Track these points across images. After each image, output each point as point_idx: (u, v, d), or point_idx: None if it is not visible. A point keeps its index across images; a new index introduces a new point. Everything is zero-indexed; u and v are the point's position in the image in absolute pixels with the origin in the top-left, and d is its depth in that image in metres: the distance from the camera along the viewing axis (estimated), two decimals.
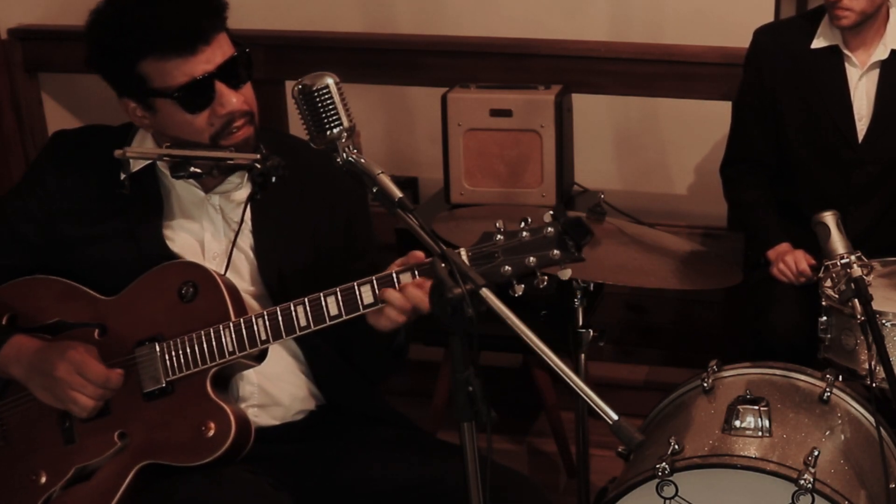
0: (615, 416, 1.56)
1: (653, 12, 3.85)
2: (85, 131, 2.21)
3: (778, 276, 2.91)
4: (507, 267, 1.78)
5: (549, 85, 3.44)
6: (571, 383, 1.58)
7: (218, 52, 1.97)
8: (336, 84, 1.76)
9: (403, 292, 1.87)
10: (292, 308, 1.94)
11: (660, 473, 2.13)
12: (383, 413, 2.21)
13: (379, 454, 2.12)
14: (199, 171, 2.00)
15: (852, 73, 3.00)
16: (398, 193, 1.71)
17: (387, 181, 1.73)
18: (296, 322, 1.93)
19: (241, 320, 1.96)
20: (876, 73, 2.99)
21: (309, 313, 1.93)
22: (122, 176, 2.05)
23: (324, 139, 1.76)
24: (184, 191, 2.10)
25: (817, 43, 3.01)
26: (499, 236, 1.80)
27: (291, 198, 2.12)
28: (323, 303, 1.92)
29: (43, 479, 2.03)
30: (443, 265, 1.60)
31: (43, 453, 2.05)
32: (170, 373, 1.98)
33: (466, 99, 3.39)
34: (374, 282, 1.89)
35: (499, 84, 3.48)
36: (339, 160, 1.76)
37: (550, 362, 1.58)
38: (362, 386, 2.20)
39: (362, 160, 1.76)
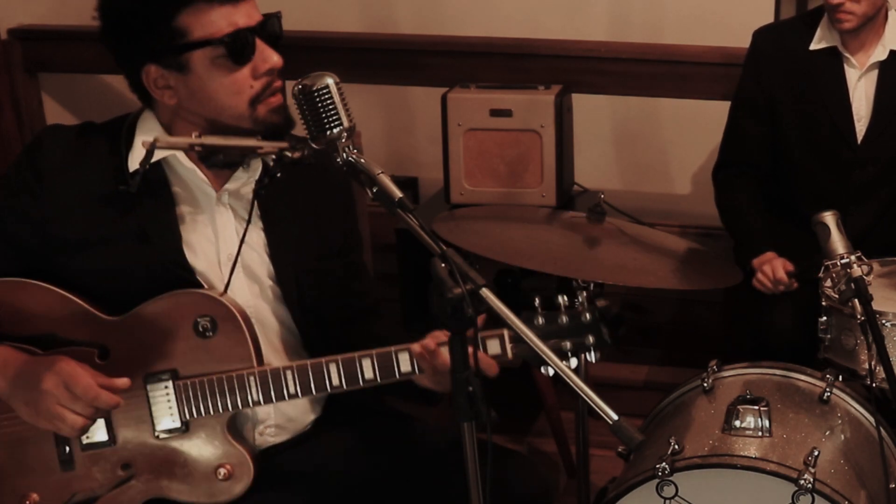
0: (615, 416, 1.56)
1: (653, 12, 3.84)
2: (80, 126, 2.06)
3: (757, 286, 2.90)
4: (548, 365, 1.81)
5: (549, 85, 3.44)
6: (571, 383, 1.58)
7: (254, 9, 1.94)
8: (336, 84, 1.75)
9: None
10: (325, 366, 1.91)
11: (660, 473, 2.13)
12: (382, 407, 2.22)
13: (381, 447, 2.12)
14: (231, 159, 1.93)
15: (851, 74, 3.00)
16: (398, 193, 1.70)
17: (387, 181, 1.72)
18: (328, 381, 1.92)
19: (269, 371, 1.91)
20: (875, 73, 2.99)
21: (342, 374, 1.91)
22: (132, 170, 1.94)
23: (324, 139, 1.76)
24: (195, 189, 2.01)
25: (816, 44, 3.01)
26: (539, 319, 1.87)
27: (296, 193, 2.07)
28: (358, 365, 1.91)
29: (36, 501, 1.95)
30: (443, 265, 1.60)
31: (36, 476, 1.95)
32: (186, 414, 1.92)
33: (466, 99, 3.39)
34: (411, 351, 1.90)
35: (499, 84, 3.48)
36: (338, 160, 1.76)
37: (551, 363, 1.58)
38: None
39: (362, 160, 1.75)
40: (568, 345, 1.88)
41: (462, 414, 1.60)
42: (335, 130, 1.75)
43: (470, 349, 1.58)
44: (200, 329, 1.92)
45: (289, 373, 1.91)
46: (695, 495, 2.15)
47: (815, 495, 2.08)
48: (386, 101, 4.14)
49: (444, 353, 1.86)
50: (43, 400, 1.84)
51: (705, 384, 2.43)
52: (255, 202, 2.00)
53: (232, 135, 1.91)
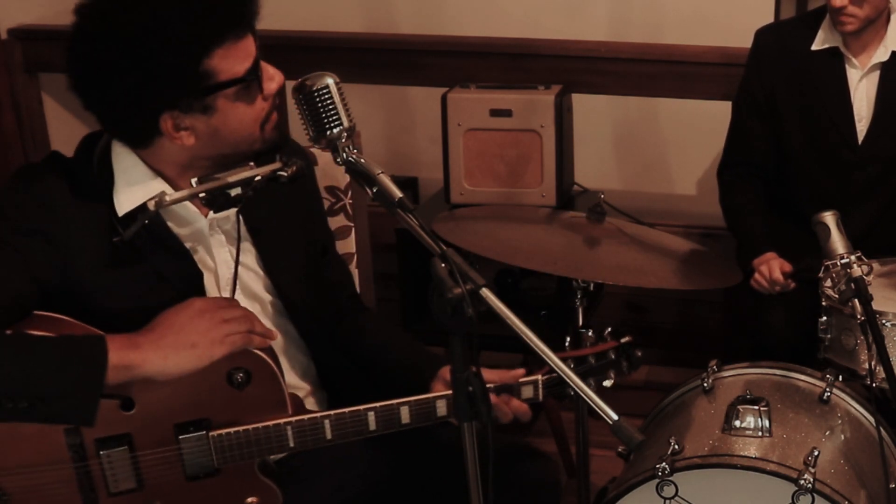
0: (615, 416, 1.56)
1: (653, 12, 3.84)
2: (49, 163, 1.92)
3: (754, 286, 2.90)
4: (571, 391, 1.81)
5: (549, 85, 3.44)
6: (571, 383, 1.58)
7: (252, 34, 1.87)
8: (336, 84, 1.75)
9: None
10: (363, 413, 1.90)
11: (660, 473, 2.13)
12: None
13: (377, 442, 2.12)
14: (235, 196, 1.84)
15: (853, 75, 3.00)
16: (398, 193, 1.70)
17: (387, 181, 1.72)
18: (367, 427, 1.92)
19: (306, 420, 1.89)
20: (876, 74, 2.99)
21: (380, 419, 1.91)
22: (121, 214, 1.86)
23: (324, 139, 1.76)
24: (190, 221, 1.95)
25: (818, 44, 3.01)
26: (570, 363, 2.03)
27: (273, 200, 2.03)
28: (398, 413, 1.92)
29: None
30: (443, 265, 1.60)
31: None
32: (220, 462, 1.87)
33: (466, 99, 3.39)
34: (449, 398, 1.91)
35: (499, 84, 3.48)
36: (338, 160, 1.76)
37: (551, 363, 1.58)
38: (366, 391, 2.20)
39: (362, 160, 1.75)
40: (591, 382, 2.04)
41: (462, 414, 1.60)
42: (335, 130, 1.75)
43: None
44: (235, 382, 1.87)
45: (326, 421, 1.90)
46: (695, 495, 2.15)
47: (815, 495, 2.08)
48: (386, 101, 4.14)
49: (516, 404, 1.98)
50: (212, 327, 1.80)
51: (705, 384, 2.43)
52: (241, 219, 1.98)
53: (221, 171, 1.86)
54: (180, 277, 1.92)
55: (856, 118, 3.00)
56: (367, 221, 2.67)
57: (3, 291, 1.80)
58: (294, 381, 2.09)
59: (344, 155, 1.75)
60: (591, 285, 2.48)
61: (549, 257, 2.37)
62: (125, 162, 1.90)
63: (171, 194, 1.80)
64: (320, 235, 2.20)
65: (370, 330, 2.22)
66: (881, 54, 2.97)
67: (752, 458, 2.15)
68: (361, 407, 1.90)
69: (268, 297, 2.06)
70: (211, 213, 1.94)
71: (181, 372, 1.80)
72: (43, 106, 4.28)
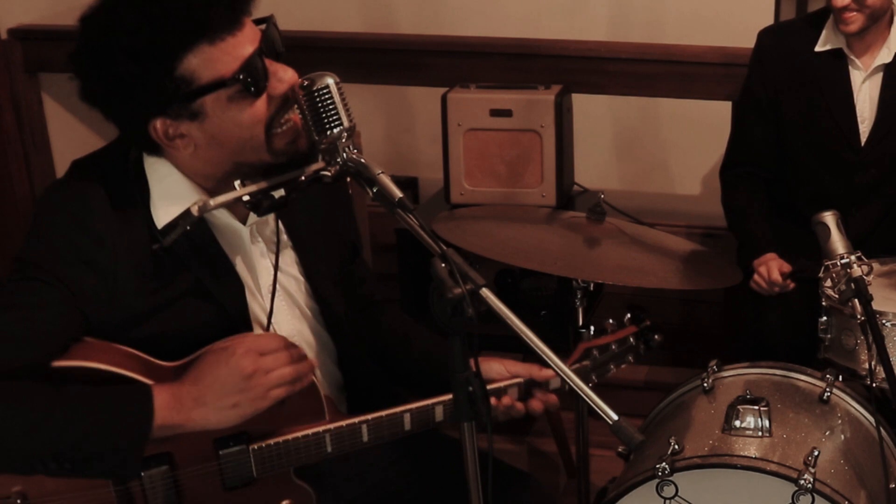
0: (615, 416, 1.56)
1: (653, 12, 3.85)
2: (79, 179, 1.83)
3: (753, 287, 2.90)
4: (594, 375, 2.11)
5: (549, 85, 3.44)
6: (571, 383, 1.58)
7: (253, 28, 1.77)
8: (336, 84, 1.74)
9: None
10: (399, 416, 1.91)
11: (660, 473, 2.13)
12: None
13: (397, 455, 2.12)
14: (280, 198, 1.77)
15: (856, 77, 2.99)
16: (398, 193, 1.70)
17: (387, 181, 1.72)
18: (403, 428, 1.93)
19: (345, 426, 1.88)
20: (879, 76, 2.99)
21: (416, 420, 1.93)
22: (161, 226, 1.80)
23: (324, 139, 1.76)
24: (229, 228, 1.89)
25: (821, 46, 3.01)
26: (595, 352, 2.11)
27: (310, 205, 2.00)
28: (432, 412, 1.94)
29: None
30: (443, 265, 1.60)
31: None
32: (259, 472, 1.85)
33: (466, 99, 3.39)
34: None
35: (499, 84, 3.48)
36: (339, 160, 1.76)
37: (551, 363, 1.58)
38: (386, 394, 2.19)
39: (362, 160, 1.75)
40: (612, 367, 2.10)
41: (462, 414, 1.60)
42: (335, 130, 1.74)
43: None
44: None
45: (364, 426, 1.89)
46: (695, 495, 2.15)
47: (815, 495, 2.08)
48: (386, 101, 4.14)
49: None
50: (252, 386, 1.76)
51: (705, 384, 2.43)
52: (280, 224, 1.96)
53: (266, 173, 1.81)
54: (223, 290, 1.87)
55: (859, 120, 3.00)
56: (368, 221, 2.68)
57: (55, 332, 1.75)
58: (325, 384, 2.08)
59: (344, 155, 1.75)
60: (591, 285, 2.48)
61: (549, 257, 2.37)
62: (160, 171, 1.84)
63: (214, 199, 1.74)
64: (352, 236, 2.18)
65: (391, 323, 2.21)
66: (884, 56, 2.97)
67: (752, 458, 2.15)
68: (398, 409, 1.90)
69: (306, 302, 2.03)
70: (250, 220, 1.90)
71: (223, 427, 1.79)
72: (43, 106, 4.27)
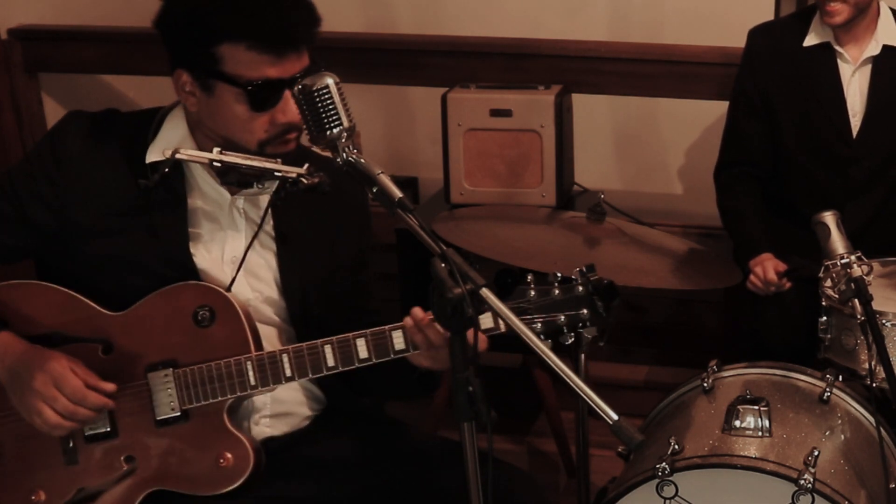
0: (615, 416, 1.56)
1: (652, 12, 3.84)
2: (104, 114, 2.10)
3: (749, 287, 2.89)
4: (538, 324, 1.85)
5: (549, 85, 3.44)
6: (571, 383, 1.58)
7: (298, 63, 1.92)
8: (336, 84, 1.75)
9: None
10: (320, 347, 1.92)
11: (660, 473, 2.13)
12: (379, 414, 2.23)
13: (376, 453, 2.12)
14: (246, 180, 1.94)
15: (845, 70, 3.00)
16: (398, 193, 1.70)
17: (387, 181, 1.72)
18: (323, 362, 1.93)
19: (266, 356, 1.93)
20: (868, 68, 3.00)
21: (337, 354, 1.92)
22: (149, 162, 1.98)
23: (324, 139, 1.76)
24: (210, 190, 2.04)
25: (809, 40, 3.01)
26: (532, 292, 1.87)
27: (313, 208, 2.07)
28: (353, 345, 1.92)
29: (43, 498, 1.98)
30: (443, 265, 1.60)
31: (42, 472, 1.99)
32: (186, 401, 1.95)
33: (466, 99, 3.39)
34: (405, 329, 1.90)
35: (499, 84, 3.48)
36: (339, 160, 1.76)
37: (550, 362, 1.58)
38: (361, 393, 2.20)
39: (362, 160, 1.75)
40: (562, 318, 1.85)
41: (462, 414, 1.60)
42: (335, 130, 1.75)
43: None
44: (199, 319, 1.96)
45: (285, 356, 1.93)
46: (695, 495, 2.15)
47: (815, 495, 2.08)
48: (386, 101, 4.14)
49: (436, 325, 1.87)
50: (30, 396, 1.90)
51: (705, 384, 2.43)
52: (270, 211, 2.01)
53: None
54: (169, 235, 2.00)
55: (850, 113, 3.00)
56: None
57: None
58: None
59: (344, 155, 1.75)
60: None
61: (549, 257, 2.38)
62: (172, 122, 2.04)
63: (185, 151, 1.93)
64: (352, 255, 2.19)
65: None
66: (872, 48, 2.97)
67: (752, 458, 2.15)
68: (319, 341, 1.92)
69: (272, 290, 2.08)
70: (239, 195, 2.02)
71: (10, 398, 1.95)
72: (43, 106, 4.27)
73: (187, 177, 2.02)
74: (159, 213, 2.00)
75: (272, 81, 1.90)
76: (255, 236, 2.01)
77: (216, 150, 1.92)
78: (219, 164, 1.91)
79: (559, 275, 1.87)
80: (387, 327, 1.92)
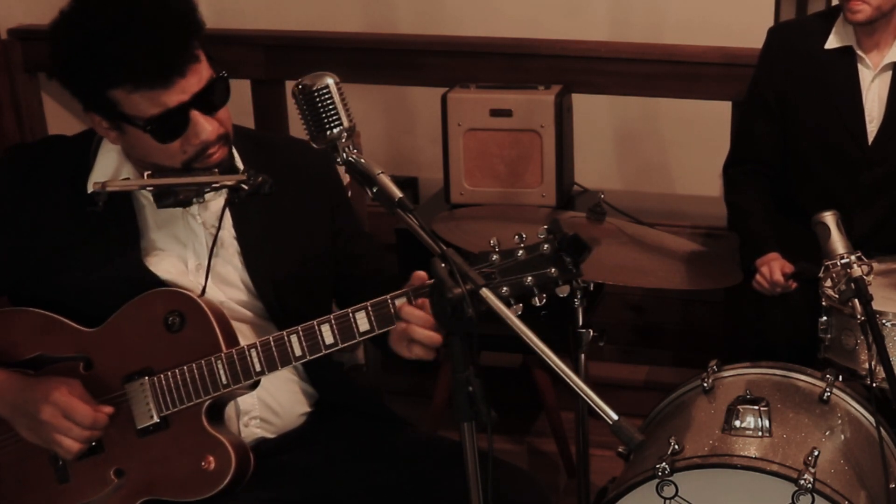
0: (615, 416, 1.56)
1: (653, 12, 3.85)
2: (42, 144, 2.10)
3: (755, 287, 2.89)
4: (504, 288, 1.74)
5: (549, 85, 3.44)
6: (571, 383, 1.58)
7: (194, 81, 1.86)
8: (336, 84, 1.75)
9: (402, 314, 1.84)
10: (286, 338, 1.91)
11: (660, 473, 2.13)
12: (377, 410, 2.22)
13: (375, 453, 2.12)
14: (185, 198, 1.90)
15: (865, 75, 2.98)
16: (398, 193, 1.70)
17: (387, 181, 1.72)
18: (291, 352, 1.91)
19: (234, 352, 1.93)
20: (888, 74, 2.97)
21: (304, 342, 1.90)
22: (90, 192, 1.93)
23: (324, 139, 1.76)
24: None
25: (831, 42, 2.99)
26: (494, 256, 1.76)
27: (271, 199, 2.01)
28: (317, 331, 1.89)
29: None
30: (443, 265, 1.60)
31: (37, 493, 2.00)
32: (163, 407, 1.95)
33: (466, 99, 3.40)
34: (370, 308, 1.87)
35: (499, 84, 3.48)
36: (338, 160, 1.76)
37: (550, 362, 1.58)
38: (355, 384, 2.20)
39: (362, 160, 1.75)
40: (529, 279, 1.75)
41: (462, 414, 1.60)
42: (335, 130, 1.75)
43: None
44: (170, 324, 1.95)
45: (253, 351, 1.92)
46: (695, 495, 2.15)
47: (815, 495, 2.08)
48: (386, 101, 4.14)
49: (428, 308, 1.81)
50: (43, 429, 1.92)
51: (705, 384, 2.43)
52: (227, 211, 2.01)
53: (181, 173, 1.91)
54: (121, 256, 2.00)
55: (867, 118, 2.98)
56: (368, 221, 2.68)
57: None
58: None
59: (344, 155, 1.76)
60: (591, 285, 2.48)
61: None
62: (107, 145, 2.01)
63: (115, 182, 1.90)
64: (326, 234, 2.16)
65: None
66: (894, 54, 2.95)
67: (752, 458, 2.15)
68: (285, 331, 1.91)
69: (242, 290, 2.07)
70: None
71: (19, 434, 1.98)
72: (43, 106, 4.28)
73: (135, 195, 2.01)
74: (111, 239, 1.99)
75: (173, 110, 1.85)
76: (214, 243, 2.00)
77: (146, 174, 1.90)
78: (152, 188, 1.90)
79: (524, 235, 1.78)
80: (350, 310, 1.88)
